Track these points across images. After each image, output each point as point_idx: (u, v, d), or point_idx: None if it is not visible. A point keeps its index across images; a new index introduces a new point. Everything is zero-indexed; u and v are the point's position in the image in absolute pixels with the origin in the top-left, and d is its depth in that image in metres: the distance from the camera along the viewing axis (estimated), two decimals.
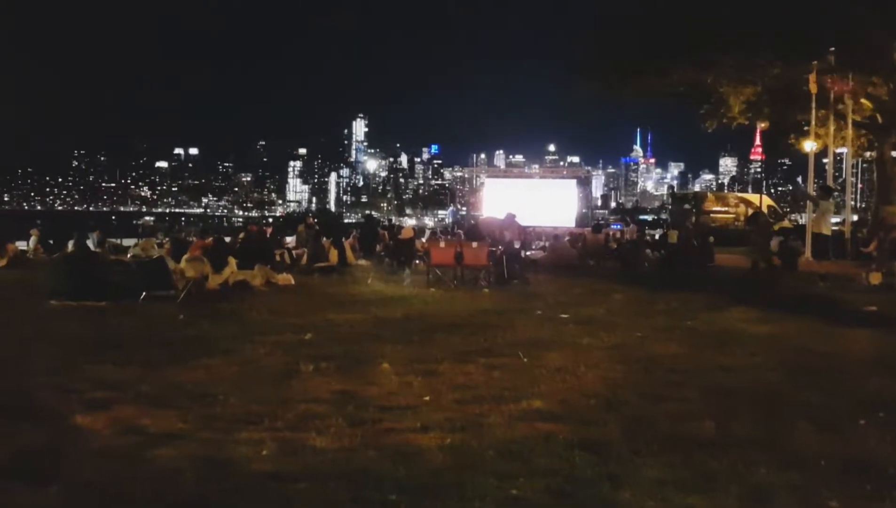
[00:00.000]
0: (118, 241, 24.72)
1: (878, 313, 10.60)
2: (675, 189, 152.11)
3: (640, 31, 24.68)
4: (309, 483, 3.98)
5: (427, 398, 5.71)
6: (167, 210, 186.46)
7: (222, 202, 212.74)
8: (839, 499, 3.75)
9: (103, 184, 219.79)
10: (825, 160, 24.15)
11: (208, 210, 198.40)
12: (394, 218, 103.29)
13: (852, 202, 27.13)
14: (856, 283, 13.95)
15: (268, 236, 19.42)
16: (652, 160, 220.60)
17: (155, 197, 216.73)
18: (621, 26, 25.82)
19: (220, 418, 5.18)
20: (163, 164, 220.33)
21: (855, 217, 31.98)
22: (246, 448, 4.54)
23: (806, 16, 21.16)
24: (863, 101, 23.66)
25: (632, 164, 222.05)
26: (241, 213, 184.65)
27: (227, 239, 18.51)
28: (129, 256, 17.21)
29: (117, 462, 4.33)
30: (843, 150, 25.82)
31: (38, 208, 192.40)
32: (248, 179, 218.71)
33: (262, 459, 4.37)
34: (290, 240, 21.32)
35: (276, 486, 3.96)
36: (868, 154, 29.77)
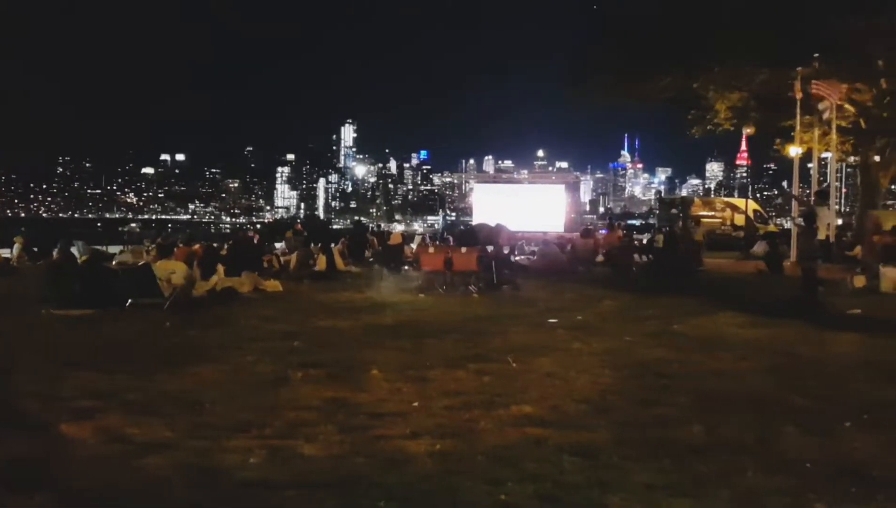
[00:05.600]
0: (104, 248, 24.54)
1: (862, 316, 10.68)
2: (663, 194, 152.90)
3: (631, 38, 24.90)
4: (297, 490, 3.97)
5: (417, 404, 5.70)
6: (154, 217, 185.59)
7: (209, 209, 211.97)
8: (826, 502, 3.78)
9: (88, 191, 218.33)
10: (810, 165, 24.38)
11: (195, 217, 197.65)
12: (383, 224, 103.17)
13: (837, 207, 27.32)
14: (841, 287, 14.05)
15: (255, 242, 19.36)
16: (640, 165, 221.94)
17: (141, 204, 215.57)
18: (614, 33, 26.05)
19: (207, 426, 5.15)
20: (149, 170, 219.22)
21: (839, 221, 32.24)
22: (234, 455, 4.52)
23: (793, 22, 21.38)
24: (847, 106, 23.90)
25: (620, 169, 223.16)
26: (228, 219, 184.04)
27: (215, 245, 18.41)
28: (114, 263, 17.07)
29: (104, 471, 4.29)
30: (828, 155, 26.04)
31: (22, 214, 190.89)
32: (236, 185, 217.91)
33: (251, 467, 4.34)
34: (278, 246, 21.25)
35: (264, 494, 3.94)
36: (852, 159, 30.09)
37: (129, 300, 11.09)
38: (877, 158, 25.94)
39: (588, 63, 27.00)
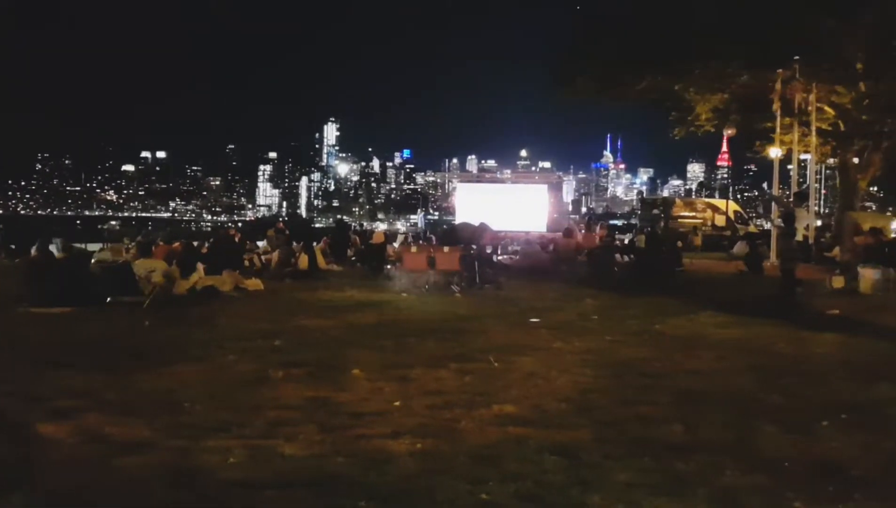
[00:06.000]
0: (83, 246, 24.27)
1: (840, 316, 10.80)
2: (645, 194, 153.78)
3: (615, 41, 25.09)
4: (277, 490, 3.95)
5: (398, 403, 5.69)
6: (134, 215, 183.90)
7: (190, 207, 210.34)
8: (803, 501, 3.82)
9: (68, 188, 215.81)
10: (790, 167, 24.61)
11: (176, 215, 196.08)
12: (366, 223, 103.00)
13: (816, 208, 27.65)
14: (819, 287, 14.21)
15: (236, 240, 19.23)
16: (622, 166, 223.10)
17: (121, 201, 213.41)
18: (598, 35, 26.22)
19: (187, 425, 5.11)
20: (129, 167, 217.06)
21: (819, 222, 32.61)
22: (214, 455, 4.49)
23: (773, 25, 21.60)
24: (826, 108, 24.18)
25: (602, 169, 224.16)
26: (209, 217, 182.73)
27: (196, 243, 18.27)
28: (93, 261, 16.89)
29: (83, 471, 4.25)
30: (808, 156, 26.33)
31: (0, 211, 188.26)
32: (218, 183, 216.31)
33: (230, 467, 4.32)
34: (260, 245, 21.13)
35: (243, 494, 3.91)
36: (831, 161, 30.45)
37: (109, 299, 10.99)
38: (855, 160, 26.26)
39: (573, 64, 27.16)
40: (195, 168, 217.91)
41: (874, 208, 54.56)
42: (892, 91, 22.79)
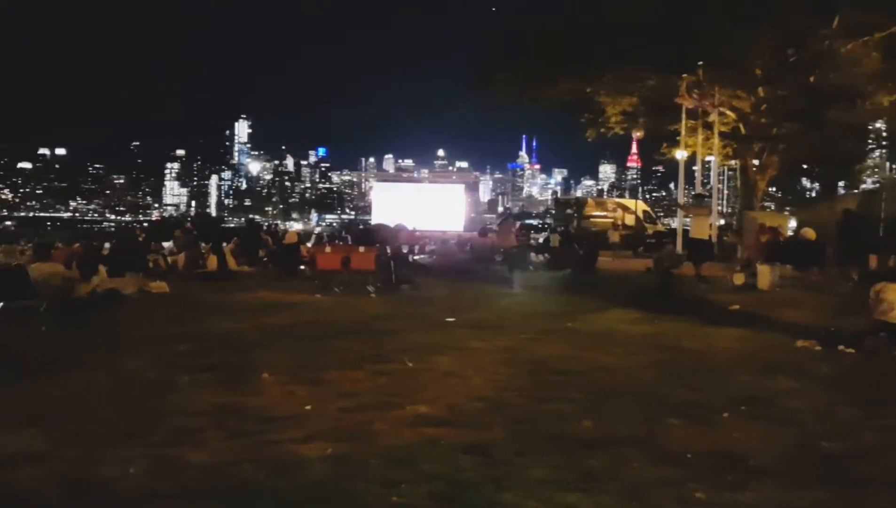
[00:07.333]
0: None
1: (740, 311, 11.30)
2: (559, 194, 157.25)
3: (530, 44, 25.57)
4: (182, 500, 3.81)
5: (310, 407, 5.57)
6: (31, 214, 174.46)
7: (92, 206, 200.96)
8: (704, 491, 3.95)
9: None
10: (695, 168, 25.68)
11: (77, 214, 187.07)
12: (280, 222, 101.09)
13: (719, 208, 28.92)
14: (721, 284, 14.83)
15: (140, 241, 18.49)
16: (537, 166, 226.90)
17: (17, 200, 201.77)
18: (513, 38, 26.66)
19: (87, 435, 4.87)
20: (26, 165, 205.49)
21: (722, 221, 34.11)
22: (114, 465, 4.28)
23: (679, 33, 22.47)
24: (728, 112, 25.34)
25: (518, 170, 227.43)
26: (113, 217, 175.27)
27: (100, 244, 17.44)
28: None
29: None
30: (711, 158, 27.51)
31: None
32: (122, 181, 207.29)
33: (131, 477, 4.12)
34: (166, 246, 20.35)
35: (144, 505, 3.75)
36: (733, 162, 31.92)
37: (1, 303, 10.34)
38: (755, 162, 27.63)
39: (490, 67, 27.54)
40: (97, 166, 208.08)
41: (773, 207, 57.51)
42: (788, 96, 24.12)
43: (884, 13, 20.75)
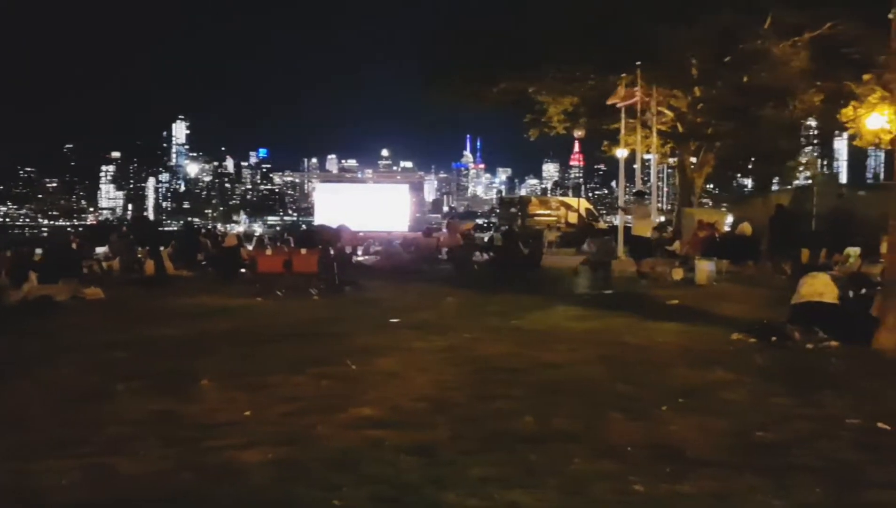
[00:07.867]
0: None
1: (679, 306, 11.58)
2: (504, 194, 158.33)
3: (475, 46, 25.75)
4: None
5: (251, 412, 5.47)
6: None
7: (24, 211, 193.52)
8: (643, 483, 4.01)
9: None
10: (635, 166, 26.15)
11: (8, 219, 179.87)
12: (220, 225, 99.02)
13: (659, 205, 29.62)
14: (661, 280, 15.16)
15: (74, 246, 17.89)
16: (482, 166, 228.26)
17: None
18: (458, 40, 26.82)
19: (15, 446, 4.69)
20: None
21: (661, 218, 34.88)
22: (45, 477, 4.13)
23: (617, 33, 22.90)
24: (665, 111, 25.92)
25: (463, 169, 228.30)
26: (46, 222, 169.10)
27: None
28: None
29: None
30: (651, 156, 28.10)
31: None
32: (55, 185, 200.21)
33: (63, 488, 3.98)
34: (100, 251, 19.72)
35: None
36: (671, 160, 32.69)
37: None
38: (692, 160, 28.35)
39: (435, 67, 27.68)
40: (28, 169, 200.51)
41: (710, 204, 59.03)
42: (722, 95, 24.82)
43: (813, 13, 21.55)
